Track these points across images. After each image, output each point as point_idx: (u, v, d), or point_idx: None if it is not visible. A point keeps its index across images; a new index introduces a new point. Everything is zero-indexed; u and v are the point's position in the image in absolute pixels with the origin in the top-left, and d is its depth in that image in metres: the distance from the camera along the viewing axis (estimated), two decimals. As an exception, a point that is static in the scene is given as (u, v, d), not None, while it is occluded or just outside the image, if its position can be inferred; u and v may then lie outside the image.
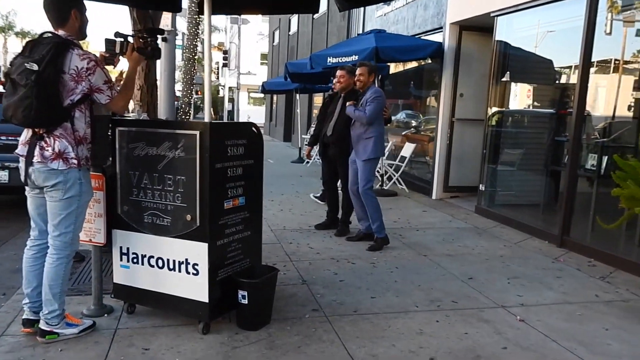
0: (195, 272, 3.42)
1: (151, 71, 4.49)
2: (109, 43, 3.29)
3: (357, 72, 5.69)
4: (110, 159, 3.62)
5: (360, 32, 13.04)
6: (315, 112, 18.21)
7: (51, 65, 2.96)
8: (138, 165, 3.52)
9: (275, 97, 23.83)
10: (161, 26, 7.88)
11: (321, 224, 6.55)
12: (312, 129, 15.83)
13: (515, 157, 7.73)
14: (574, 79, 6.18)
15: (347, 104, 5.58)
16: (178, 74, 16.33)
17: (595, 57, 5.84)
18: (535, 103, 7.51)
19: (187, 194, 3.36)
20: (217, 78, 57.36)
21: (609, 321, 3.89)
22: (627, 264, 5.11)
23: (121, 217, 3.64)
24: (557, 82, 6.95)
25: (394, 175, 9.64)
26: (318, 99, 17.66)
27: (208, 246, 3.34)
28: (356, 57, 8.22)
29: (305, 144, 15.05)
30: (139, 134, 3.49)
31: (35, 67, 2.92)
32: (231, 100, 43.38)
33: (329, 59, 8.69)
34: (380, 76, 9.87)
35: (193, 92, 36.59)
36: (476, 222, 7.21)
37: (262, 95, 31.84)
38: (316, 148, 6.73)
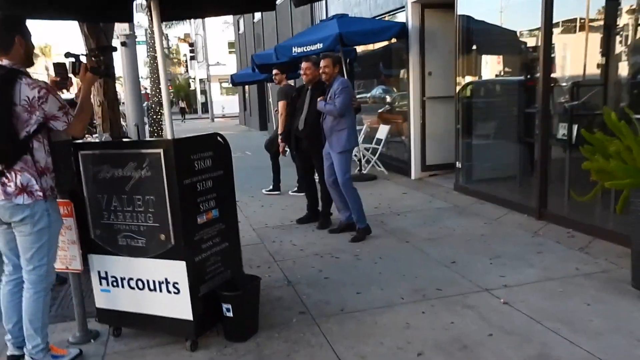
0: (176, 290, 3.37)
1: (110, 85, 4.37)
2: (58, 67, 3.19)
3: (322, 64, 5.63)
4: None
5: (324, 15, 12.93)
6: (288, 99, 18.08)
7: (0, 99, 2.86)
8: (105, 188, 3.45)
9: (247, 87, 23.60)
10: (118, 30, 7.77)
11: (302, 218, 6.53)
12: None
13: (488, 131, 7.77)
14: (538, 45, 6.17)
15: (318, 99, 5.52)
16: (146, 71, 16.10)
17: (557, 18, 5.82)
18: (503, 74, 7.52)
19: (158, 213, 3.30)
20: (187, 71, 56.73)
21: (590, 295, 3.94)
22: (605, 232, 5.17)
23: (95, 241, 3.57)
24: (522, 51, 6.94)
25: (372, 159, 9.63)
26: (289, 86, 17.51)
27: (186, 264, 3.29)
28: (320, 45, 8.15)
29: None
30: (102, 156, 3.42)
31: None
32: (203, 92, 43.01)
33: (293, 49, 8.60)
34: (348, 60, 9.82)
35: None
36: (456, 201, 7.25)
37: (233, 85, 31.62)
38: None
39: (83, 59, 3.30)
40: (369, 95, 11.76)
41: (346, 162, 5.61)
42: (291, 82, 16.95)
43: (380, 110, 11.04)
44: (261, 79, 14.85)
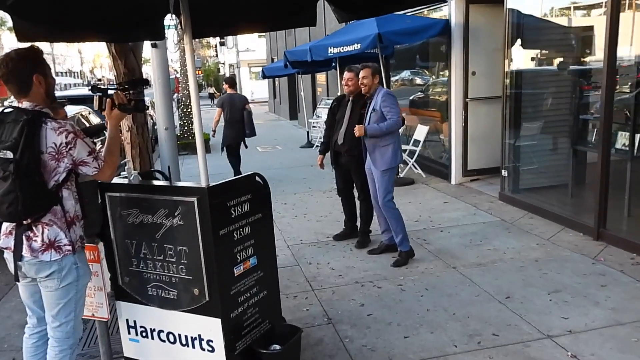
0: (210, 348, 3.08)
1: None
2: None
3: (360, 75, 5.25)
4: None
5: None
6: (320, 90, 17.68)
7: (28, 149, 2.57)
8: (134, 234, 3.16)
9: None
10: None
11: (340, 234, 6.19)
12: (317, 110, 15.36)
13: (537, 136, 7.27)
14: (600, 43, 5.65)
15: (366, 129, 5.10)
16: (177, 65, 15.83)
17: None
18: (557, 74, 6.98)
19: (192, 265, 3.00)
20: (216, 55, 56.56)
21: (670, 349, 3.52)
22: (676, 262, 4.71)
23: (123, 288, 3.30)
24: (580, 48, 6.42)
25: (409, 161, 9.20)
26: (321, 77, 17.09)
27: (221, 322, 2.99)
28: (358, 46, 7.74)
29: (313, 126, 14.63)
30: (131, 200, 3.12)
31: (10, 154, 2.55)
32: (232, 76, 42.78)
33: (329, 49, 8.21)
34: (384, 56, 9.36)
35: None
36: (502, 213, 6.81)
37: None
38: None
39: (111, 92, 2.99)
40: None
41: (389, 181, 5.24)
42: (322, 75, 16.67)
43: (411, 97, 10.56)
44: (292, 73, 14.49)
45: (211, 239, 2.91)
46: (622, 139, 5.84)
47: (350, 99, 5.64)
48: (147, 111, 14.04)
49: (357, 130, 5.11)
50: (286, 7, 3.88)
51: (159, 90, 7.37)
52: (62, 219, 2.77)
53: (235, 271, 3.08)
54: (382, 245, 5.63)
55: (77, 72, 69.98)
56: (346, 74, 5.57)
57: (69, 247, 2.77)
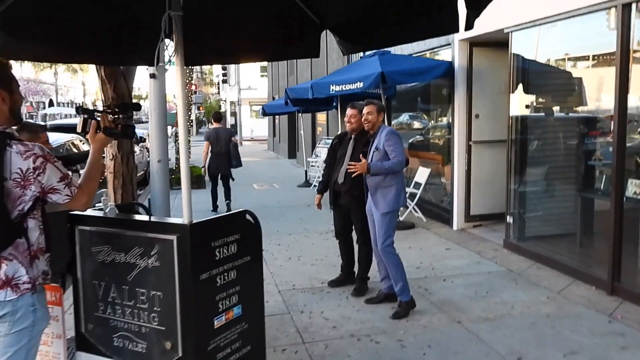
0: (182, 413, 2.66)
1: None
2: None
3: (365, 111, 4.97)
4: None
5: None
6: (320, 130, 17.48)
7: None
8: (104, 274, 2.78)
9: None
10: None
11: (335, 280, 5.78)
12: (316, 149, 15.10)
13: (544, 182, 6.95)
14: (608, 90, 5.43)
15: (369, 166, 4.78)
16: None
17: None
18: (564, 119, 6.72)
19: (165, 314, 2.61)
20: (218, 92, 56.91)
21: None
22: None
23: (86, 337, 2.90)
24: (588, 93, 6.19)
25: (410, 204, 8.85)
26: (322, 117, 16.92)
27: (196, 382, 2.59)
28: (361, 84, 7.50)
29: (312, 165, 14.34)
30: (103, 235, 2.76)
31: None
32: (233, 114, 42.85)
33: (331, 87, 7.96)
34: (386, 97, 9.13)
35: (194, 111, 35.87)
36: (508, 262, 6.42)
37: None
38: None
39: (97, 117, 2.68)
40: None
41: (390, 224, 4.88)
42: (323, 114, 16.52)
43: (410, 141, 10.30)
44: (293, 111, 14.30)
45: (190, 284, 2.53)
46: (633, 187, 5.53)
47: (353, 136, 5.35)
48: (144, 143, 13.60)
49: (360, 166, 4.76)
50: (288, 37, 3.61)
51: (155, 122, 7.08)
52: (24, 253, 2.39)
53: (215, 322, 2.69)
54: (380, 294, 5.23)
55: (80, 103, 70.49)
56: (349, 111, 5.29)
57: (28, 286, 2.39)
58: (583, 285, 5.54)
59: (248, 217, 2.89)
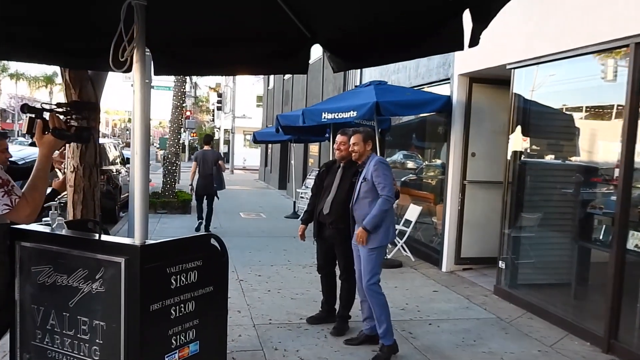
0: None
1: (90, 147, 3.42)
2: None
3: (351, 141, 4.69)
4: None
5: (358, 80, 12.17)
6: (312, 161, 17.23)
7: None
8: (43, 298, 2.44)
9: (270, 144, 22.89)
10: (131, 76, 6.93)
11: (315, 317, 5.41)
12: (307, 181, 14.81)
13: (541, 229, 6.65)
14: (614, 136, 5.19)
15: (365, 227, 4.48)
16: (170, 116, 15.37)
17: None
18: (566, 166, 6.47)
19: (108, 348, 2.26)
20: (213, 120, 56.88)
21: None
22: None
23: (21, 368, 2.53)
24: (590, 139, 5.96)
25: (398, 242, 8.53)
26: (314, 148, 16.68)
27: None
28: (354, 113, 7.25)
29: (301, 197, 14.02)
30: (45, 254, 2.42)
31: None
32: (227, 142, 42.70)
33: (323, 115, 7.71)
34: (380, 130, 8.90)
35: (187, 135, 35.59)
36: (498, 310, 6.08)
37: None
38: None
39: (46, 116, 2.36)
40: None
41: (376, 261, 4.55)
42: (315, 146, 16.30)
43: (403, 179, 10.03)
44: (285, 139, 14.05)
45: (138, 314, 2.20)
46: (635, 240, 5.25)
47: (341, 165, 5.05)
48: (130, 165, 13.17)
49: (359, 236, 4.47)
50: (276, 49, 3.34)
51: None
52: None
53: (166, 360, 2.35)
54: (361, 335, 4.87)
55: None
56: (339, 137, 5.01)
57: None
58: (577, 339, 5.20)
59: (213, 241, 2.56)
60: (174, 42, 3.21)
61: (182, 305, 2.39)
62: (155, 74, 3.51)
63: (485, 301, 6.43)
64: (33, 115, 2.37)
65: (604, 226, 5.63)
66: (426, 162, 9.74)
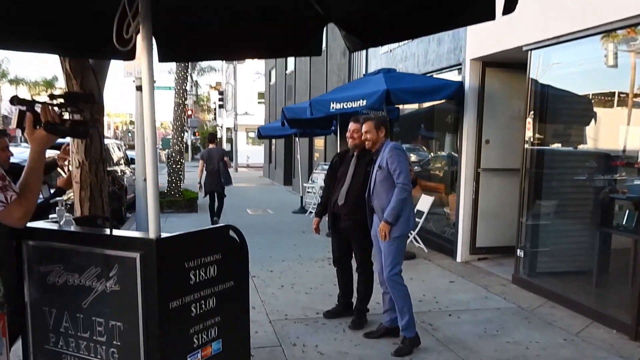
0: None
1: (95, 141, 3.27)
2: None
3: (363, 130, 4.53)
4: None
5: (363, 70, 12.00)
6: (317, 155, 17.07)
7: None
8: (55, 299, 2.30)
9: (274, 140, 22.73)
10: (135, 72, 6.76)
11: (332, 311, 5.27)
12: (313, 175, 14.65)
13: (560, 214, 6.48)
14: (636, 119, 5.02)
15: (387, 220, 4.31)
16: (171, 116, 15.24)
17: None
18: (586, 151, 6.29)
19: (127, 349, 2.12)
20: (215, 119, 56.75)
21: None
22: None
23: (34, 374, 2.39)
24: (617, 126, 5.77)
25: (411, 234, 8.36)
26: (319, 142, 16.53)
27: None
28: (364, 102, 7.08)
29: (308, 192, 13.88)
30: (54, 252, 2.27)
31: None
32: (229, 140, 42.58)
33: (332, 105, 7.54)
34: (389, 120, 8.73)
35: (189, 135, 35.54)
36: (518, 299, 5.92)
37: (260, 135, 30.87)
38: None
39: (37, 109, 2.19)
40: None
41: (397, 251, 4.40)
42: (320, 140, 16.15)
43: (416, 167, 9.85)
44: (289, 134, 13.89)
45: (157, 313, 2.05)
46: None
47: (355, 154, 4.89)
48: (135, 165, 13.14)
49: (382, 230, 4.32)
50: (288, 30, 3.18)
51: (141, 137, 6.66)
52: None
53: (188, 361, 2.20)
54: (381, 327, 4.72)
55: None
56: (351, 125, 4.85)
57: None
58: (602, 327, 5.04)
59: (232, 233, 2.41)
60: (179, 24, 3.05)
61: (203, 301, 2.24)
62: (160, 61, 3.34)
63: (504, 290, 6.27)
64: (23, 108, 2.18)
65: (627, 211, 5.47)
66: (437, 151, 9.56)
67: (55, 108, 2.21)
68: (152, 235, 2.06)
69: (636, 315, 4.76)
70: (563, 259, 6.48)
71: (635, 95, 5.22)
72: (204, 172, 10.90)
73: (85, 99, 2.31)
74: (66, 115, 2.28)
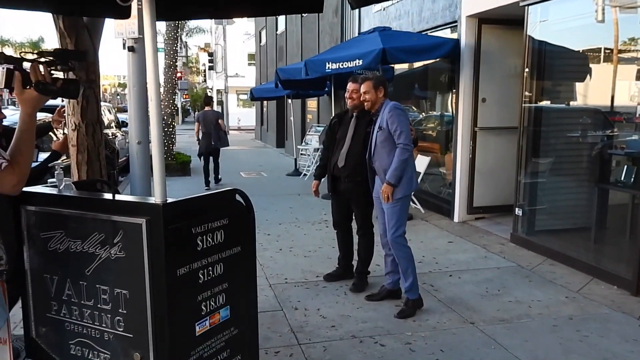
0: None
1: (90, 102, 3.14)
2: None
3: (361, 90, 4.42)
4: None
5: (356, 30, 11.75)
6: (310, 117, 16.90)
7: None
8: (56, 266, 2.21)
9: (266, 101, 22.43)
10: (126, 32, 6.54)
11: (332, 274, 5.24)
12: (306, 137, 14.51)
13: (558, 172, 6.45)
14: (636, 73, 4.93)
15: (390, 182, 4.23)
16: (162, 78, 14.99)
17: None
18: (585, 107, 6.21)
19: (133, 318, 2.05)
20: (204, 81, 56.01)
21: None
22: None
23: (37, 342, 2.33)
24: (612, 80, 5.67)
25: (408, 195, 8.31)
26: (312, 104, 16.33)
27: (171, 404, 2.03)
28: (360, 62, 6.93)
29: (302, 154, 13.77)
30: (55, 218, 2.18)
31: None
32: (220, 103, 42.10)
33: (327, 65, 7.38)
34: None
35: (180, 97, 35.06)
36: (517, 257, 5.93)
37: (251, 98, 30.45)
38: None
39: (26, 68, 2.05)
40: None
41: (401, 212, 4.35)
42: (313, 101, 15.94)
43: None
44: (282, 95, 13.69)
45: (164, 280, 1.98)
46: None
47: (354, 114, 4.78)
48: (126, 128, 12.97)
49: (385, 192, 4.24)
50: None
51: (134, 99, 6.46)
52: None
53: (197, 328, 2.14)
54: (383, 289, 4.71)
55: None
56: (350, 85, 4.72)
57: None
58: (603, 283, 5.06)
59: (238, 197, 2.33)
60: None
61: (210, 268, 2.17)
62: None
63: (503, 249, 6.27)
64: (11, 67, 2.04)
65: (626, 167, 5.44)
66: (433, 111, 9.46)
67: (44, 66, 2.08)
68: (158, 200, 1.97)
69: (637, 271, 4.77)
70: (561, 216, 6.48)
71: (634, 50, 5.12)
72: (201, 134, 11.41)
73: (75, 56, 2.17)
74: (56, 74, 2.14)
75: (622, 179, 5.49)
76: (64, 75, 2.19)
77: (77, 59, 2.17)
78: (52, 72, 2.04)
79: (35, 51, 2.06)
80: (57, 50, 2.07)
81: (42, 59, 2.04)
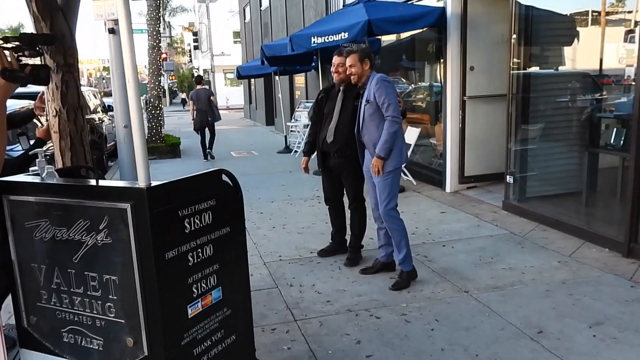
0: None
1: (70, 87, 3.08)
2: None
3: (347, 63, 4.36)
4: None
5: (341, 2, 11.60)
6: (298, 93, 16.78)
7: None
8: (43, 255, 2.19)
9: (253, 79, 22.23)
10: (106, 14, 6.42)
11: (326, 250, 5.25)
12: (296, 114, 14.43)
13: (548, 138, 6.45)
14: (623, 36, 4.90)
15: (380, 155, 4.20)
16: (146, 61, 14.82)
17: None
18: (573, 72, 6.18)
19: (124, 303, 2.04)
20: (190, 61, 55.41)
21: None
22: None
23: (29, 331, 2.31)
24: (600, 44, 5.64)
25: (399, 167, 8.30)
26: (300, 80, 16.20)
27: (167, 387, 2.03)
28: (346, 35, 6.85)
29: (292, 130, 13.70)
30: (39, 207, 2.15)
31: None
32: (207, 82, 41.74)
33: (312, 39, 7.29)
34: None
35: (166, 79, 34.64)
36: (509, 225, 5.95)
37: (238, 76, 30.09)
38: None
39: None
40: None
41: (392, 185, 4.33)
42: (301, 77, 15.81)
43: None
44: (269, 72, 13.56)
45: (153, 264, 1.96)
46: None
47: (341, 89, 4.73)
48: (112, 112, 12.81)
49: (375, 166, 4.22)
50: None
51: (118, 83, 6.38)
52: None
53: (189, 311, 2.13)
54: (377, 263, 4.72)
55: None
56: (335, 59, 4.66)
57: None
58: (595, 247, 5.10)
59: (224, 177, 2.30)
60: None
61: (199, 250, 2.15)
62: None
63: (495, 217, 6.30)
64: None
65: (615, 129, 5.44)
66: (421, 82, 9.39)
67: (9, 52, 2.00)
68: (142, 184, 1.93)
69: (628, 233, 4.81)
70: (552, 182, 6.50)
71: (622, 12, 5.08)
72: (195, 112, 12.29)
73: (43, 40, 2.09)
74: (24, 60, 2.06)
75: (612, 142, 5.49)
76: (41, 61, 2.12)
77: (45, 44, 2.09)
78: (21, 58, 1.97)
79: (1, 37, 1.98)
80: (22, 35, 2.00)
81: (8, 45, 1.97)
